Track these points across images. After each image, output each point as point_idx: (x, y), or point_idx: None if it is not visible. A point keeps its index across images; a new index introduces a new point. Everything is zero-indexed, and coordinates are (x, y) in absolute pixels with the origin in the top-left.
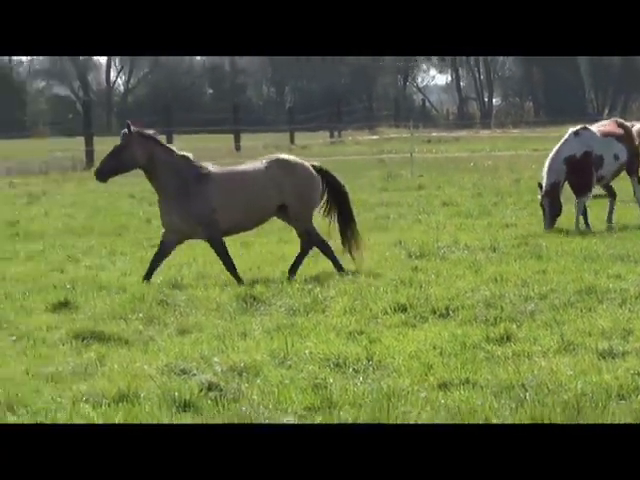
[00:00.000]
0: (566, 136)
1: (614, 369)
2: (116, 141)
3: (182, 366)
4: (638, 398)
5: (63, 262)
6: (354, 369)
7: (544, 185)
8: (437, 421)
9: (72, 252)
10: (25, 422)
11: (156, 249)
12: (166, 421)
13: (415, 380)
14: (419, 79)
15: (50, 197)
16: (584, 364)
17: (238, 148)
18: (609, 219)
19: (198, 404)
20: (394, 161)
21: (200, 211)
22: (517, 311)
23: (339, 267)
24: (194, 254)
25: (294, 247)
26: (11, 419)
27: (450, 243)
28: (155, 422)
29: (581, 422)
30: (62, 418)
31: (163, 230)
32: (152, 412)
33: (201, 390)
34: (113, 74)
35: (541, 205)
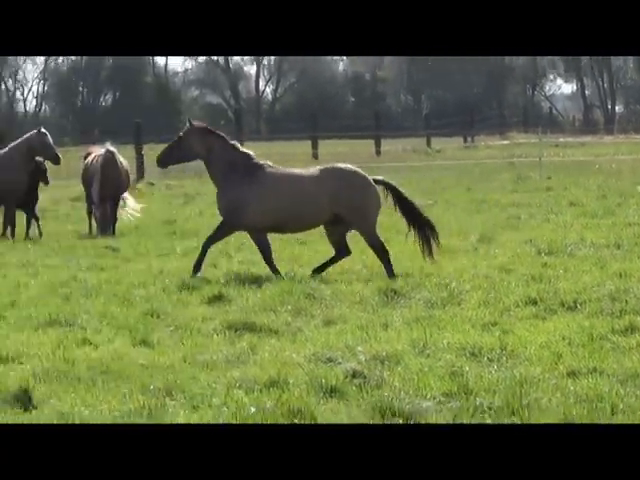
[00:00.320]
0: None
1: None
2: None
3: (328, 355)
4: None
5: (217, 258)
6: (488, 358)
7: None
8: (567, 406)
9: (225, 248)
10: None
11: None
12: (314, 405)
13: (545, 368)
14: (546, 88)
15: (204, 198)
16: None
17: (378, 152)
18: None
19: (343, 390)
20: (524, 164)
21: (233, 202)
22: None
23: (390, 273)
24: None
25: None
26: (170, 403)
27: (577, 241)
28: (303, 406)
29: None
30: (217, 402)
31: None
32: (301, 397)
33: (346, 377)
34: (262, 83)
35: None
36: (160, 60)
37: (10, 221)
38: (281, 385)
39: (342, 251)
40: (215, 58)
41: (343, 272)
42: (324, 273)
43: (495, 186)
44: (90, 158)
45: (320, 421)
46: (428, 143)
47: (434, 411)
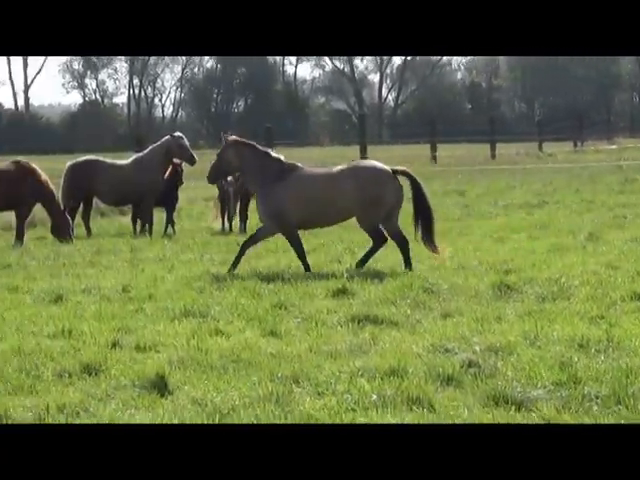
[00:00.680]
0: None
1: None
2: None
3: (445, 345)
4: None
5: (341, 254)
6: (596, 349)
7: None
8: None
9: (349, 245)
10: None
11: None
12: (431, 393)
13: None
14: None
15: None
16: None
17: (493, 156)
18: None
19: (459, 379)
20: (631, 167)
21: (271, 207)
22: None
23: (408, 264)
24: (456, 248)
25: (543, 242)
26: (296, 390)
27: None
28: (421, 394)
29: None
30: (340, 389)
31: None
32: (419, 385)
33: (462, 366)
34: (385, 91)
35: None
36: (289, 69)
37: (149, 219)
38: (401, 374)
39: (379, 240)
40: (341, 67)
41: (459, 268)
42: (442, 268)
43: (603, 188)
44: None
45: (437, 408)
46: (540, 147)
47: (544, 399)
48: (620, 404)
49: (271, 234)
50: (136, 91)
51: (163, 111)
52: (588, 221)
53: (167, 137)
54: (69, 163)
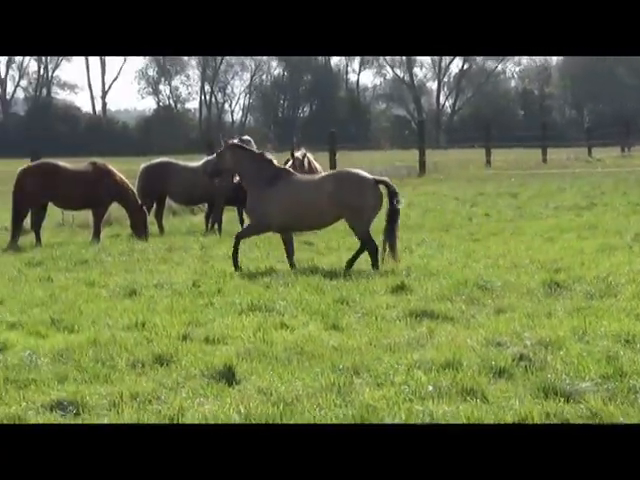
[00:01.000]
0: None
1: None
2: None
3: (498, 340)
4: None
5: (400, 252)
6: None
7: None
8: None
9: (407, 244)
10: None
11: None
12: (485, 385)
13: None
14: None
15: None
16: None
17: (545, 160)
18: None
19: (511, 371)
20: None
21: (259, 208)
22: None
23: (376, 265)
24: (508, 247)
25: (591, 242)
26: (357, 381)
27: None
28: (475, 386)
29: None
30: (398, 380)
31: None
32: (473, 377)
33: (514, 360)
34: (442, 98)
35: None
36: (352, 77)
37: (218, 219)
38: (455, 366)
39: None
40: (402, 75)
41: (512, 266)
42: (495, 266)
43: None
44: (289, 163)
45: (490, 399)
46: (589, 152)
47: (591, 391)
48: None
49: (258, 232)
50: (207, 97)
51: (232, 116)
52: (634, 222)
53: (236, 141)
54: (143, 165)
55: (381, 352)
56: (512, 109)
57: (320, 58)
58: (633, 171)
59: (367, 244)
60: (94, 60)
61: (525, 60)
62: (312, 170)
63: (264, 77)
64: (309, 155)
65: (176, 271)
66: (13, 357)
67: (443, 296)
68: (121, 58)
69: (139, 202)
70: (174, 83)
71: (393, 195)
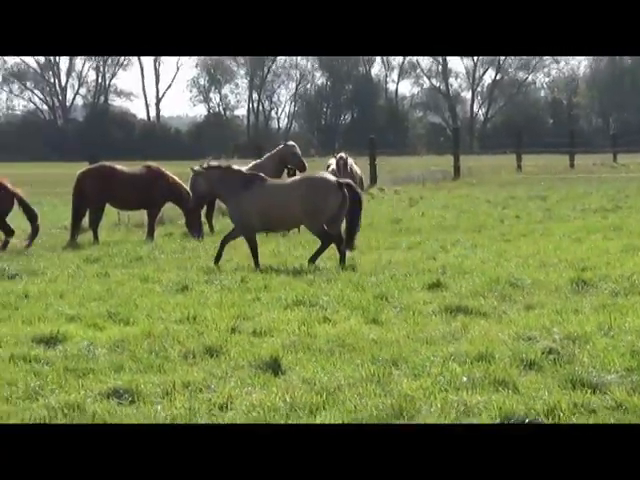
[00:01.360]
0: None
1: None
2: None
3: (528, 334)
4: None
5: (436, 251)
6: None
7: None
8: None
9: (443, 244)
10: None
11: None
12: (516, 376)
13: None
14: None
15: (426, 201)
16: None
17: (572, 165)
18: None
19: (540, 364)
20: None
21: (238, 214)
22: None
23: (342, 261)
24: (538, 247)
25: (616, 243)
26: (395, 372)
27: None
28: (506, 377)
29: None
30: (434, 372)
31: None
32: (505, 369)
33: (543, 353)
34: (476, 106)
35: None
36: (391, 86)
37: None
38: (488, 359)
39: (327, 240)
40: (438, 85)
41: (541, 265)
42: (525, 265)
43: None
44: (331, 167)
45: (521, 390)
46: (614, 158)
47: (617, 383)
48: None
49: (240, 235)
50: (255, 105)
51: (278, 123)
52: None
53: (281, 146)
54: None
55: (418, 345)
56: (542, 118)
57: (361, 69)
58: None
59: (324, 240)
60: (149, 69)
61: (554, 71)
62: (352, 173)
63: (308, 86)
64: (349, 159)
65: (225, 268)
66: (72, 348)
67: (476, 293)
68: (174, 68)
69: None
70: (224, 91)
71: (356, 196)
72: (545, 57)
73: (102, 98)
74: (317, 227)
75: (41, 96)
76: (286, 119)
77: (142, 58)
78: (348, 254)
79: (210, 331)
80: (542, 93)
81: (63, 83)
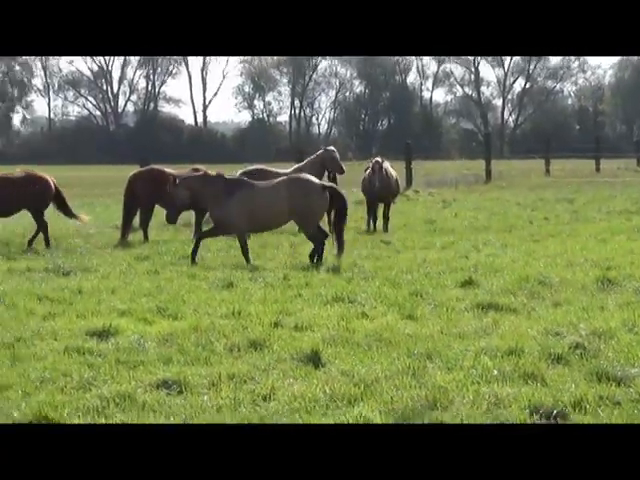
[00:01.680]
0: None
1: None
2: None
3: (556, 330)
4: None
5: (468, 251)
6: None
7: None
8: None
9: (475, 244)
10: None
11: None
12: (544, 370)
13: None
14: None
15: (459, 203)
16: None
17: (598, 170)
18: None
19: (567, 358)
20: None
21: (224, 217)
22: None
23: (318, 259)
24: (565, 247)
25: (638, 243)
26: (429, 365)
27: None
28: (535, 370)
29: None
30: (467, 365)
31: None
32: (534, 363)
33: (570, 348)
34: (506, 113)
35: None
36: (426, 94)
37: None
38: (518, 353)
39: (320, 239)
40: (470, 93)
41: (568, 264)
42: (554, 264)
43: None
44: (369, 170)
45: (549, 382)
46: (638, 163)
47: None
48: None
49: (221, 234)
50: (296, 111)
51: (319, 128)
52: None
53: (321, 150)
54: (240, 171)
55: (451, 340)
56: (569, 124)
57: (398, 77)
58: None
59: (315, 241)
60: (196, 77)
61: (581, 80)
62: (387, 175)
63: (347, 94)
64: (386, 162)
65: (269, 265)
66: (124, 341)
67: (507, 290)
68: (221, 76)
69: None
70: (267, 98)
71: (339, 199)
72: (572, 67)
73: (152, 105)
74: (309, 227)
75: (94, 103)
76: (326, 125)
77: (190, 67)
78: (383, 253)
79: (254, 326)
80: (569, 101)
81: (115, 90)
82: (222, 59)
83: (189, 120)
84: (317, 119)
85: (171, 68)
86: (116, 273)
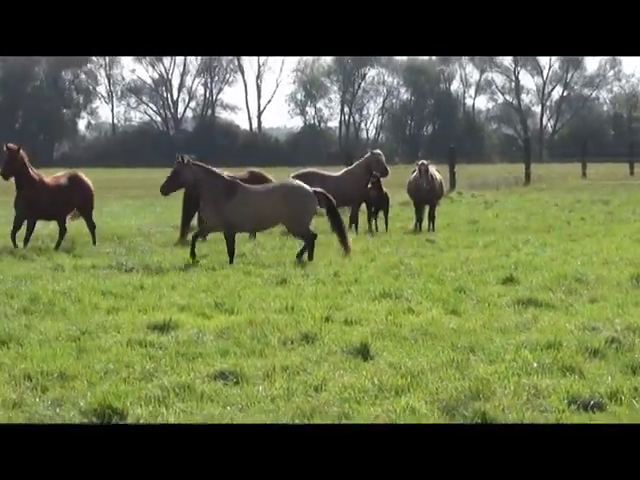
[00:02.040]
0: None
1: None
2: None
3: (592, 325)
4: None
5: (509, 250)
6: None
7: None
8: None
9: (515, 243)
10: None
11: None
12: (581, 363)
13: None
14: None
15: (500, 204)
16: None
17: (632, 173)
18: None
19: (604, 352)
20: None
21: (221, 216)
22: None
23: (300, 257)
24: (601, 247)
25: None
26: (472, 358)
27: None
28: (573, 363)
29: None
30: (508, 358)
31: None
32: (571, 356)
33: (606, 342)
34: (545, 119)
35: None
36: (469, 101)
37: (355, 219)
38: (556, 346)
39: (310, 239)
40: (510, 100)
41: (604, 263)
42: (589, 263)
43: None
44: (415, 173)
45: (586, 375)
46: None
47: None
48: None
49: (213, 231)
50: (346, 117)
51: (367, 133)
52: None
53: (369, 154)
54: (293, 174)
55: (493, 334)
56: (604, 130)
57: (442, 85)
58: None
59: (306, 240)
60: (251, 85)
61: (616, 88)
62: (432, 177)
63: (394, 101)
64: (430, 166)
65: (320, 263)
66: (183, 334)
67: (546, 287)
68: (274, 84)
69: None
70: (318, 105)
71: (329, 202)
72: (608, 75)
73: (209, 111)
74: (301, 229)
75: (155, 109)
76: (374, 130)
77: (246, 76)
78: (428, 251)
79: (306, 320)
80: (605, 108)
81: (175, 97)
82: (276, 68)
83: (244, 125)
84: (365, 125)
85: (228, 76)
86: (176, 270)
